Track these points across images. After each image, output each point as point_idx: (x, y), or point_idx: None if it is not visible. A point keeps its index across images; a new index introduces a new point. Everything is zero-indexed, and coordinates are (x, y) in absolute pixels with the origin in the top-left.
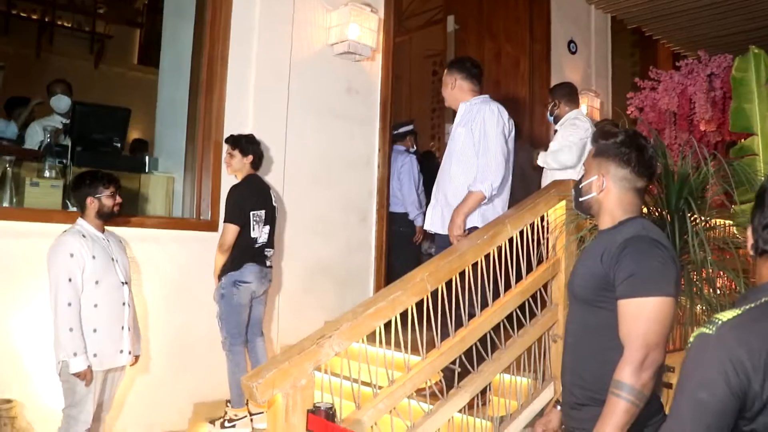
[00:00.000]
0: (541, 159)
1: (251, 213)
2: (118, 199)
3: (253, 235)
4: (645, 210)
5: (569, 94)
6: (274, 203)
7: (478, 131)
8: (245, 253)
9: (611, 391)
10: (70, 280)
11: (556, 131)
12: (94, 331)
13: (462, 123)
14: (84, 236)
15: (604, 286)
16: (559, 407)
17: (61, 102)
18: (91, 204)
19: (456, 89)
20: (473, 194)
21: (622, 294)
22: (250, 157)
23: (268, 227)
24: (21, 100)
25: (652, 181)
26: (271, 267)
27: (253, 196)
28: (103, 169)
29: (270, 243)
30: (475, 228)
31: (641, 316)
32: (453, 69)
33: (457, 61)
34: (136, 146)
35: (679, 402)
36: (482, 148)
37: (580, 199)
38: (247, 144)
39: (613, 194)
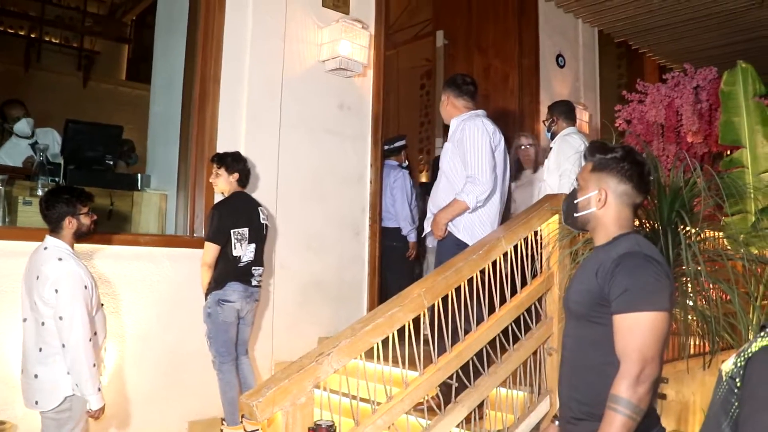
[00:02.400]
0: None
1: (232, 231)
2: (93, 217)
3: (235, 253)
4: (637, 223)
5: (567, 111)
6: (262, 220)
7: (463, 146)
8: (228, 272)
9: (608, 405)
10: (87, 314)
11: (551, 148)
12: (93, 365)
13: (450, 139)
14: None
15: (598, 301)
16: (557, 422)
17: (26, 126)
18: (69, 224)
19: (449, 106)
20: (458, 203)
21: (617, 309)
22: (236, 175)
23: (253, 245)
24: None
25: (647, 197)
26: (258, 286)
27: (235, 215)
28: (96, 187)
29: (258, 261)
30: (466, 245)
31: (637, 331)
32: (445, 86)
33: (450, 79)
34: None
35: (754, 424)
36: (468, 161)
37: (576, 215)
38: (232, 162)
39: (612, 209)
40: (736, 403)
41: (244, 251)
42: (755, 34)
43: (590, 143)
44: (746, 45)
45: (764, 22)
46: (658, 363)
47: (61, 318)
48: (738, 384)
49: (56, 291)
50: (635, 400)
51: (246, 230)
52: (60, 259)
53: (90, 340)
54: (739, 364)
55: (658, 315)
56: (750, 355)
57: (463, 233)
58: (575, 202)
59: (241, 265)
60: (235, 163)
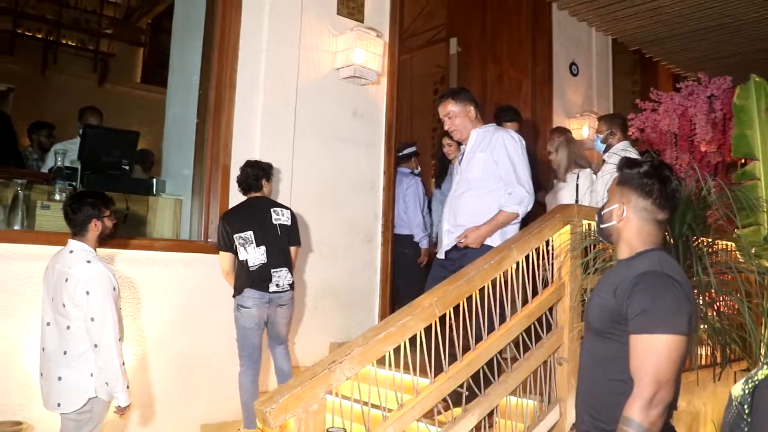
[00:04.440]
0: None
1: (235, 237)
2: (114, 220)
3: (242, 257)
4: None
5: (623, 124)
6: (274, 221)
7: (503, 157)
8: (243, 278)
9: (620, 427)
10: (117, 315)
11: (603, 160)
12: (122, 364)
13: (480, 148)
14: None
15: (616, 318)
16: None
17: None
18: (95, 227)
19: (468, 118)
20: (505, 214)
21: (634, 330)
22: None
23: (263, 247)
24: (44, 124)
25: (673, 213)
26: (280, 291)
27: (237, 220)
28: (112, 191)
29: (275, 262)
30: (489, 247)
31: (652, 353)
32: (464, 98)
33: (465, 91)
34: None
35: None
36: (516, 170)
37: (601, 226)
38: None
39: (632, 224)
40: (746, 429)
41: (252, 254)
42: None
43: (622, 157)
44: (761, 54)
45: None
46: (672, 387)
47: (92, 319)
48: (747, 411)
49: (87, 293)
50: (647, 423)
51: (249, 233)
52: (89, 262)
53: (120, 339)
54: (746, 391)
55: (675, 338)
56: (757, 382)
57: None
58: (601, 213)
59: (253, 269)
60: (241, 170)
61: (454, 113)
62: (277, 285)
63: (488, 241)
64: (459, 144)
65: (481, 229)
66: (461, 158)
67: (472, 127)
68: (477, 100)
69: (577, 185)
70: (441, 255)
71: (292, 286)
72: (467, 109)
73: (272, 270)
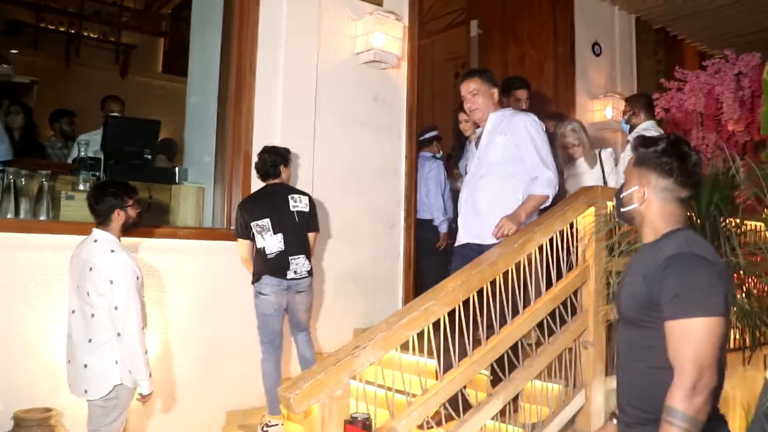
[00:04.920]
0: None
1: (252, 224)
2: (138, 209)
3: (259, 245)
4: None
5: (648, 104)
6: (292, 208)
7: (525, 141)
8: (261, 266)
9: (664, 418)
10: (140, 303)
11: (628, 141)
12: (146, 352)
13: (499, 132)
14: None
15: (648, 306)
16: (615, 421)
17: None
18: (119, 216)
19: (490, 99)
20: (536, 198)
21: (668, 315)
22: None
23: (281, 234)
24: (65, 112)
25: (696, 190)
26: (299, 278)
27: (253, 208)
28: (135, 181)
29: (293, 250)
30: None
31: (689, 339)
32: (489, 79)
33: (488, 72)
34: (161, 147)
35: None
36: (540, 152)
37: (622, 210)
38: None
39: (654, 205)
40: None
41: (269, 242)
42: None
43: (636, 137)
44: None
45: None
46: (715, 371)
47: (116, 308)
48: None
49: (111, 282)
50: (691, 411)
51: (266, 221)
52: (113, 251)
53: (143, 328)
54: None
55: (713, 320)
56: None
57: None
58: (621, 197)
59: (270, 256)
60: (258, 156)
61: (479, 91)
62: (295, 272)
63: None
64: (476, 125)
65: (517, 215)
66: (478, 141)
67: (492, 110)
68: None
69: (601, 165)
70: (459, 242)
71: (310, 272)
72: (491, 91)
73: (290, 257)
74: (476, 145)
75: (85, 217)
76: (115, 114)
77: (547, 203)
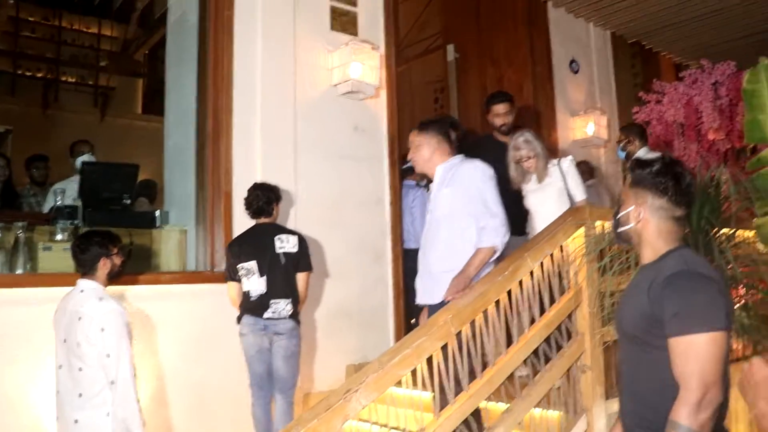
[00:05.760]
0: None
1: (238, 266)
2: (122, 258)
3: (245, 288)
4: None
5: (641, 132)
6: (278, 250)
7: (467, 189)
8: (243, 306)
9: None
10: (131, 350)
11: (630, 168)
12: (138, 400)
13: (446, 184)
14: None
15: (653, 324)
16: None
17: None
18: (104, 265)
19: (436, 153)
20: (484, 251)
21: (671, 332)
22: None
23: (265, 278)
24: (38, 157)
25: (690, 208)
26: (273, 318)
27: (241, 250)
28: (115, 227)
29: (275, 293)
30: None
31: (693, 355)
32: (432, 130)
33: (435, 123)
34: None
35: None
36: (488, 202)
37: (619, 230)
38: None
39: (651, 224)
40: None
41: (254, 285)
42: None
43: (633, 159)
44: (762, 37)
45: None
46: (720, 386)
47: (108, 356)
48: None
49: (102, 330)
50: (696, 427)
51: (252, 263)
52: (101, 299)
53: (135, 375)
54: None
55: (716, 335)
56: None
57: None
58: (617, 217)
59: (253, 298)
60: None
61: (420, 143)
62: (273, 312)
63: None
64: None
65: (465, 274)
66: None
67: (439, 162)
68: (456, 133)
69: (563, 176)
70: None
71: (293, 316)
72: (436, 141)
73: (271, 300)
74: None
75: (63, 268)
76: (91, 161)
77: (497, 254)
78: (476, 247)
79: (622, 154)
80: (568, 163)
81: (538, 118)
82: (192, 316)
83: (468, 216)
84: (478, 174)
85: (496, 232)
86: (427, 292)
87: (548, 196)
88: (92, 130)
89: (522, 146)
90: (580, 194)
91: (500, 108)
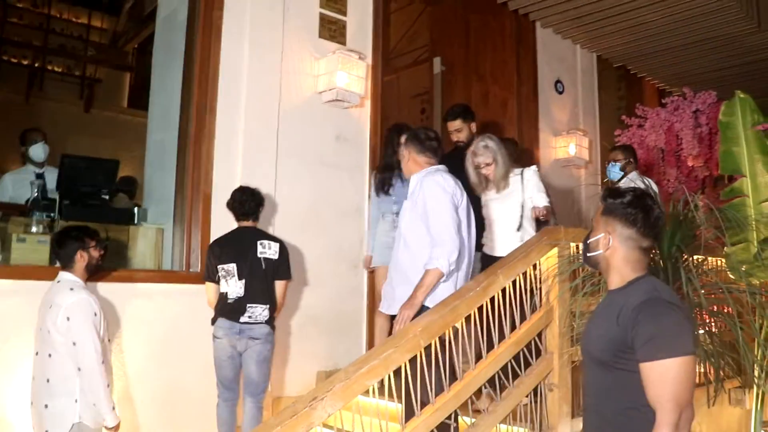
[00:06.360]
0: None
1: (218, 267)
2: (101, 251)
3: (222, 289)
4: None
5: (635, 155)
6: (259, 255)
7: (424, 204)
8: (219, 309)
9: None
10: (98, 339)
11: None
12: (107, 386)
13: (409, 197)
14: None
15: (622, 348)
16: None
17: (41, 150)
18: (81, 258)
19: (410, 162)
20: (430, 273)
21: (644, 357)
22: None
23: (243, 281)
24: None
25: (657, 240)
26: (252, 323)
27: (223, 251)
28: (92, 222)
29: (253, 297)
30: (426, 308)
31: (668, 379)
32: (407, 142)
33: (413, 133)
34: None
35: None
36: (431, 220)
37: (588, 255)
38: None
39: (619, 252)
40: None
41: (232, 287)
42: (753, 57)
43: (606, 188)
44: (744, 68)
45: (762, 45)
46: (692, 406)
47: (74, 344)
48: None
49: (68, 318)
50: None
51: (232, 266)
52: (71, 289)
53: (103, 362)
54: None
55: (686, 359)
56: None
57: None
58: (587, 242)
59: (230, 301)
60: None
61: (402, 155)
62: (249, 317)
63: (427, 304)
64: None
65: (412, 301)
66: None
67: (413, 173)
68: (431, 144)
69: (522, 183)
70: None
71: (269, 322)
72: (408, 152)
73: (248, 304)
74: None
75: (38, 260)
76: (71, 154)
77: (444, 278)
78: (425, 268)
79: (618, 174)
80: (530, 173)
81: (521, 136)
82: (164, 316)
83: (425, 235)
84: (431, 190)
85: (442, 254)
86: (387, 300)
87: (507, 208)
88: (76, 120)
89: (480, 152)
90: (541, 200)
91: (453, 125)
